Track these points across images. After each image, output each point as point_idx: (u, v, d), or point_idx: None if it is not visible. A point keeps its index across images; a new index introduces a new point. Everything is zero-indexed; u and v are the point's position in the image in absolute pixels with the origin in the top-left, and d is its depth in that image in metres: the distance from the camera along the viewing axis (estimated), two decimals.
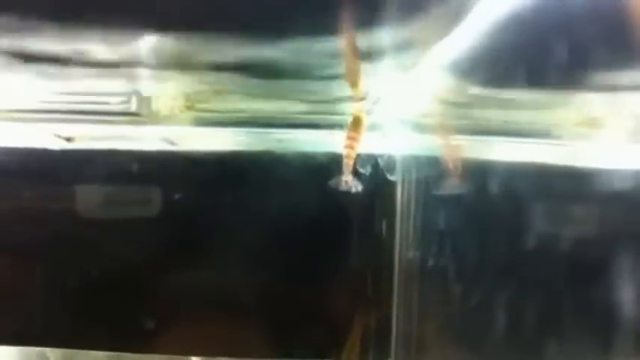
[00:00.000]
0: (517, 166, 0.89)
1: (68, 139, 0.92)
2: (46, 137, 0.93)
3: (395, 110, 0.90)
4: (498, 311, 0.89)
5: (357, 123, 0.81)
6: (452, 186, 0.84)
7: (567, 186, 0.85)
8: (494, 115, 0.87)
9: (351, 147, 0.79)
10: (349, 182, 0.80)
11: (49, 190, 0.95)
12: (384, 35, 0.70)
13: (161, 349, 0.95)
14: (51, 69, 0.80)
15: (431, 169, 0.91)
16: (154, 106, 0.92)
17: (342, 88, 0.89)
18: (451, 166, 0.83)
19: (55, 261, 0.95)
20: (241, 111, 0.94)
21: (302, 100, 0.91)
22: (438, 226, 0.91)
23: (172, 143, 0.94)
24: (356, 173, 0.91)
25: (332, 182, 0.80)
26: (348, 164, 0.79)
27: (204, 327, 0.95)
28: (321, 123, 0.94)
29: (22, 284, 0.95)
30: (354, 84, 0.78)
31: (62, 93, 0.89)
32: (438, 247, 0.91)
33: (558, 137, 0.85)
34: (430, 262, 0.90)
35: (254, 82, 0.87)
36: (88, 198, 0.95)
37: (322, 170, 0.94)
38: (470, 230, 0.90)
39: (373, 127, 0.92)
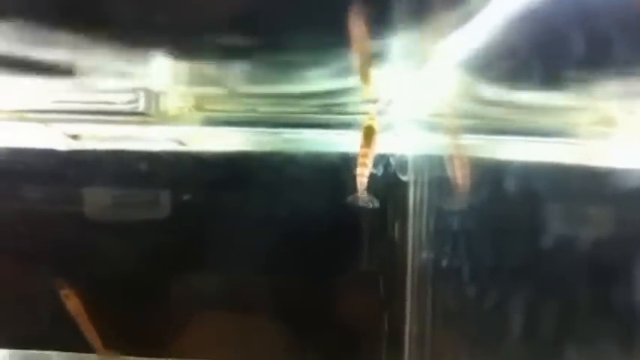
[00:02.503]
0: (531, 166, 0.88)
1: (75, 137, 0.90)
2: (54, 137, 0.91)
3: (407, 110, 0.89)
4: (512, 313, 0.88)
5: (369, 134, 0.80)
6: (460, 202, 0.83)
7: (582, 186, 0.85)
8: (508, 115, 0.86)
9: (364, 164, 0.79)
10: (365, 199, 0.80)
11: (56, 191, 0.94)
12: (395, 34, 0.69)
13: (172, 353, 0.93)
14: (58, 70, 0.80)
15: (443, 169, 0.90)
16: (163, 105, 0.91)
17: (352, 88, 0.89)
18: (460, 182, 0.82)
19: (62, 262, 0.94)
20: (250, 111, 0.93)
21: (312, 100, 0.90)
22: (451, 227, 0.90)
23: (181, 143, 0.93)
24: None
25: (350, 199, 0.80)
26: (362, 182, 0.79)
27: (216, 331, 0.94)
28: (331, 123, 0.93)
29: (29, 286, 0.93)
30: (366, 81, 0.77)
31: (70, 93, 0.88)
32: (451, 248, 0.90)
33: (573, 136, 0.84)
34: (443, 263, 0.90)
35: (263, 81, 0.86)
36: (96, 199, 0.93)
37: (332, 170, 0.93)
38: (483, 231, 0.89)
39: (385, 127, 0.91)
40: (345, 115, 0.92)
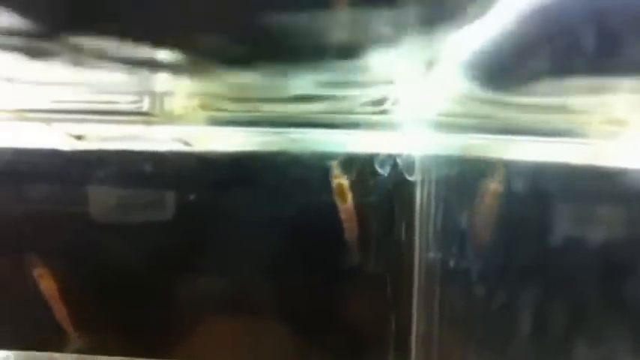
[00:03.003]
0: (539, 166, 0.88)
1: (79, 137, 0.90)
2: (58, 137, 0.91)
3: (414, 109, 0.89)
4: (520, 313, 0.88)
5: (341, 191, 0.82)
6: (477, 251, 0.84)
7: (591, 186, 0.84)
8: (517, 114, 0.86)
9: (350, 221, 0.82)
10: (358, 258, 0.84)
11: (61, 191, 0.93)
12: (404, 32, 0.69)
13: (178, 354, 0.93)
14: (63, 68, 0.79)
15: (451, 169, 0.90)
16: (167, 105, 0.90)
17: (358, 87, 0.88)
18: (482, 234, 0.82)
19: (67, 264, 0.93)
20: (256, 110, 0.92)
21: (317, 99, 0.89)
22: (459, 227, 0.89)
23: (186, 143, 0.93)
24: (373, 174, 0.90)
25: (347, 261, 0.84)
26: (352, 240, 0.82)
27: (223, 333, 0.94)
28: (337, 123, 0.92)
29: (34, 287, 0.93)
30: None
31: (74, 92, 0.88)
32: (459, 249, 0.89)
33: (583, 136, 0.84)
34: (450, 264, 0.89)
35: (268, 81, 0.85)
36: (100, 199, 0.93)
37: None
38: (493, 230, 0.89)
39: (392, 127, 0.91)
40: (351, 115, 0.92)
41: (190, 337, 0.94)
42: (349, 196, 0.83)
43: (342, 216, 0.83)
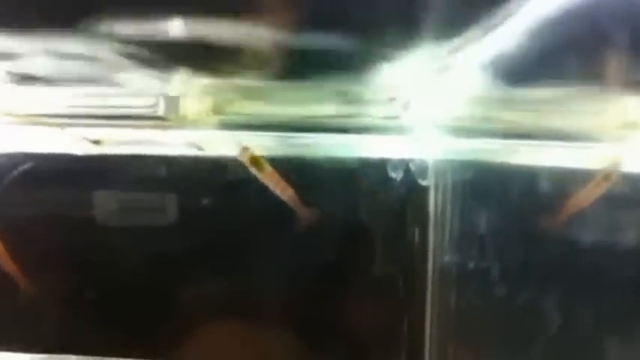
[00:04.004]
0: (552, 171, 0.87)
1: (96, 142, 0.91)
2: (73, 141, 0.92)
3: (427, 113, 0.88)
4: (535, 318, 0.87)
5: (256, 162, 0.83)
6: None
7: (608, 190, 0.83)
8: (531, 118, 0.85)
9: (281, 187, 0.85)
10: (306, 215, 0.86)
11: (76, 195, 0.94)
12: (417, 36, 0.68)
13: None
14: (78, 73, 0.80)
15: (464, 174, 0.89)
16: (182, 110, 0.91)
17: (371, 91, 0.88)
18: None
19: (80, 267, 0.94)
20: (269, 115, 0.92)
21: (331, 103, 0.89)
22: (472, 232, 0.89)
23: (199, 148, 0.93)
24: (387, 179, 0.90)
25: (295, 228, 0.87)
26: (293, 200, 0.86)
27: (234, 337, 0.94)
28: (350, 127, 0.92)
29: (49, 291, 0.94)
30: None
31: (89, 96, 0.89)
32: (473, 253, 0.89)
33: (599, 140, 0.83)
34: (464, 268, 0.88)
35: (282, 85, 0.86)
36: (112, 202, 0.94)
37: (351, 175, 0.92)
38: (505, 235, 0.88)
39: (404, 131, 0.90)
40: (364, 119, 0.92)
41: (204, 343, 0.94)
42: (264, 162, 0.84)
43: (269, 183, 0.85)
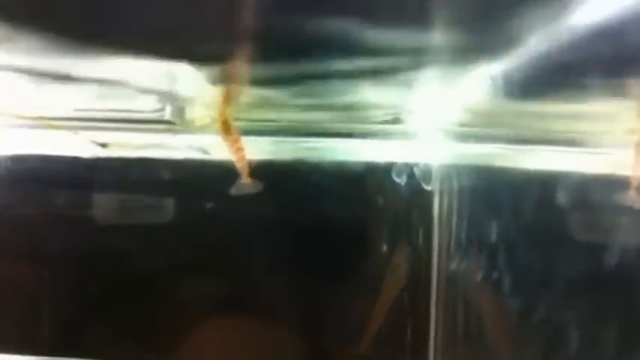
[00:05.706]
0: (560, 176, 0.86)
1: (104, 145, 0.92)
2: (82, 144, 0.93)
3: (431, 118, 0.88)
4: (540, 326, 0.86)
5: (225, 127, 0.82)
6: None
7: (615, 196, 0.82)
8: (538, 124, 0.85)
9: (238, 149, 0.82)
10: (248, 185, 0.83)
11: (83, 198, 0.95)
12: (424, 42, 0.68)
13: None
14: (86, 77, 0.81)
15: (469, 179, 0.89)
16: (189, 114, 0.92)
17: (375, 95, 0.88)
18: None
19: (85, 271, 0.95)
20: (274, 120, 0.93)
21: (335, 108, 0.90)
22: (477, 236, 0.88)
23: (205, 152, 0.94)
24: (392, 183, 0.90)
25: (233, 189, 0.83)
26: (243, 167, 0.82)
27: (235, 337, 0.94)
28: (355, 131, 0.92)
29: (52, 294, 0.95)
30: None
31: (96, 100, 0.90)
32: (477, 257, 0.88)
33: (607, 146, 0.82)
34: (469, 273, 0.88)
35: (287, 92, 0.86)
36: (119, 206, 0.95)
37: (356, 179, 0.93)
38: (511, 241, 0.87)
39: (409, 136, 0.90)
40: (369, 124, 0.92)
41: (204, 344, 0.94)
42: (233, 127, 0.84)
43: (230, 147, 0.83)
